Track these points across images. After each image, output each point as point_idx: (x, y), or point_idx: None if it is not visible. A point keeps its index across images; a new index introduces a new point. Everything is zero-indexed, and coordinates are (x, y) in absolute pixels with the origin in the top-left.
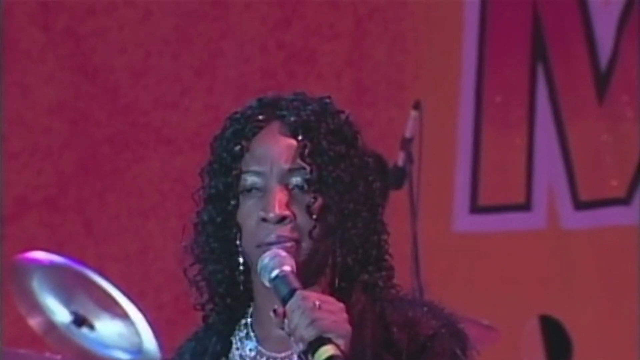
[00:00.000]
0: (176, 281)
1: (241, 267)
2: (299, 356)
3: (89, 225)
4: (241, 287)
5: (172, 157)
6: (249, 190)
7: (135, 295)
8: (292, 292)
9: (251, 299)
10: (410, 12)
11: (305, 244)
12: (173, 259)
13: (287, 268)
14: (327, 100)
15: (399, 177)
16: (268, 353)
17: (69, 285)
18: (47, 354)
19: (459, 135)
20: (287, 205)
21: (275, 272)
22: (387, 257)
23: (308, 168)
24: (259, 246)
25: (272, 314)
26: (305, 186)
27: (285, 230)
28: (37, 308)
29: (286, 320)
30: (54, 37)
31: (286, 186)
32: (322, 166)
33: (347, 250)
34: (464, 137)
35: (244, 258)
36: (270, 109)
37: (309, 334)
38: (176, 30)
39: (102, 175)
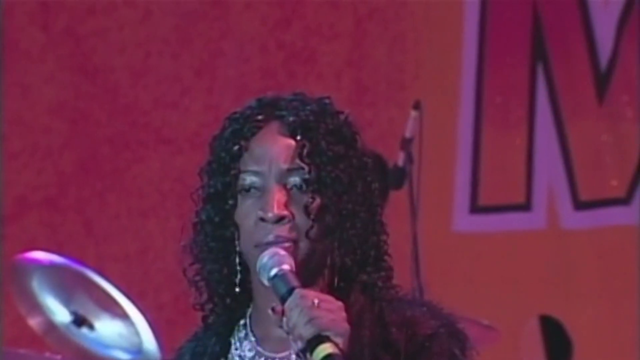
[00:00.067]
0: (176, 281)
1: (238, 267)
2: (297, 354)
3: (89, 225)
4: (237, 288)
5: (172, 157)
6: (247, 190)
7: (135, 295)
8: (291, 290)
9: (250, 299)
10: (410, 12)
11: (303, 244)
12: (173, 259)
13: (286, 267)
14: (327, 101)
15: (399, 177)
16: (266, 353)
17: (69, 285)
18: (47, 354)
19: (459, 135)
20: (286, 205)
21: (274, 271)
22: (386, 257)
23: (306, 168)
24: (257, 246)
25: (270, 311)
26: (304, 186)
27: (283, 230)
28: (37, 308)
29: (284, 319)
30: (54, 37)
31: (284, 186)
32: (321, 166)
33: (346, 251)
34: (464, 137)
35: (242, 258)
36: (269, 109)
37: (307, 332)
38: (176, 30)
39: (102, 175)
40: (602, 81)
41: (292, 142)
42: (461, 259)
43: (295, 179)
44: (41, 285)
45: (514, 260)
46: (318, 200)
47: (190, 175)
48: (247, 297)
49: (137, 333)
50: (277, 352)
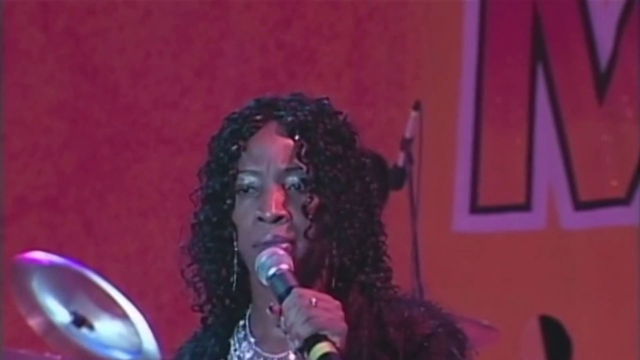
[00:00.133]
0: (176, 281)
1: (236, 268)
2: (295, 354)
3: (89, 225)
4: (234, 288)
5: (172, 157)
6: (245, 190)
7: (135, 296)
8: (289, 289)
9: (249, 300)
10: (410, 12)
11: (301, 244)
12: (173, 259)
13: (284, 266)
14: (325, 101)
15: (399, 177)
16: (265, 354)
17: (69, 286)
18: (47, 354)
19: (459, 135)
20: (284, 205)
21: (272, 270)
22: (385, 258)
23: (305, 168)
24: (255, 246)
25: (268, 311)
26: (302, 186)
27: (281, 229)
28: (37, 308)
29: (282, 318)
30: (54, 37)
31: (283, 186)
32: (319, 166)
33: (344, 250)
34: (464, 137)
35: (240, 258)
36: (268, 109)
37: (305, 331)
38: (176, 30)
39: (102, 175)
40: (602, 81)
41: (290, 142)
42: (461, 259)
43: (293, 179)
44: (41, 285)
45: (514, 260)
46: (316, 200)
47: (190, 175)
48: (246, 297)
49: (137, 333)
50: (276, 352)
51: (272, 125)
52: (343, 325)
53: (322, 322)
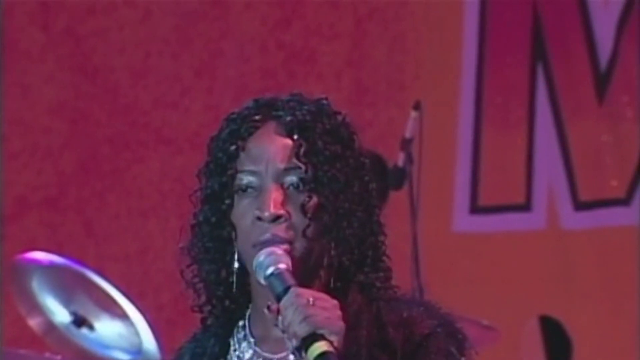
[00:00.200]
0: (176, 281)
1: (235, 268)
2: (292, 353)
3: (89, 225)
4: (234, 288)
5: (172, 157)
6: (244, 189)
7: (135, 296)
8: (287, 289)
9: (249, 300)
10: (410, 12)
11: (300, 243)
12: (173, 259)
13: (282, 266)
14: (324, 101)
15: (399, 177)
16: (265, 354)
17: (69, 286)
18: (47, 354)
19: (459, 135)
20: (282, 204)
21: (270, 270)
22: (384, 258)
23: (303, 167)
24: (254, 246)
25: (265, 310)
26: (301, 185)
27: (280, 229)
28: (37, 308)
29: (280, 317)
30: (54, 37)
31: (281, 185)
32: (317, 165)
33: (343, 250)
34: (464, 137)
35: (240, 258)
36: (267, 109)
37: (303, 330)
38: (176, 30)
39: (102, 175)
40: (602, 81)
41: (289, 141)
42: (461, 259)
43: (292, 178)
44: (41, 285)
45: (514, 260)
46: (315, 200)
47: (190, 176)
48: (246, 298)
49: (137, 333)
50: (275, 352)
51: (271, 125)
52: (340, 325)
53: (320, 321)
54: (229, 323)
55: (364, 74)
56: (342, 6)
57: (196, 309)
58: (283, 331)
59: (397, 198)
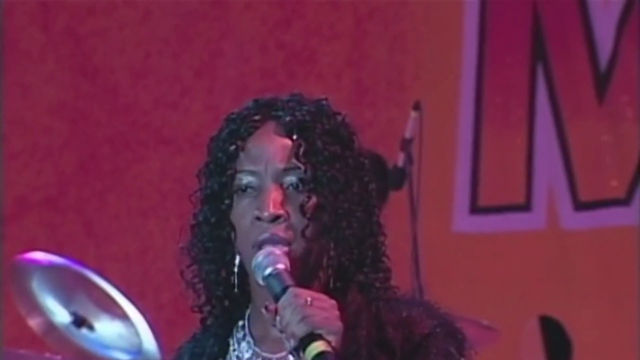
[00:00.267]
0: (176, 281)
1: (236, 268)
2: (290, 353)
3: (89, 225)
4: (236, 289)
5: (172, 157)
6: (243, 189)
7: (135, 296)
8: (285, 289)
9: (249, 300)
10: (410, 12)
11: (299, 243)
12: (173, 259)
13: (280, 266)
14: (324, 102)
15: (399, 177)
16: (264, 354)
17: (69, 286)
18: (47, 355)
19: (459, 135)
20: (282, 204)
21: (268, 270)
22: (384, 258)
23: (302, 167)
24: (253, 246)
25: (263, 310)
26: (300, 185)
27: (279, 229)
28: (37, 308)
29: (278, 317)
30: (54, 37)
31: (281, 185)
32: (317, 166)
33: (342, 250)
34: (464, 137)
35: (239, 258)
36: (266, 110)
37: (300, 330)
38: (176, 30)
39: (102, 175)
40: (602, 81)
41: (288, 141)
42: (461, 260)
43: (291, 178)
44: (41, 285)
45: (514, 261)
46: (314, 200)
47: (190, 176)
48: (245, 298)
49: (137, 333)
50: (274, 352)
51: (271, 125)
52: (338, 325)
53: (318, 321)
54: (228, 323)
55: (364, 74)
56: (342, 6)
57: (196, 309)
58: (281, 331)
59: (397, 198)
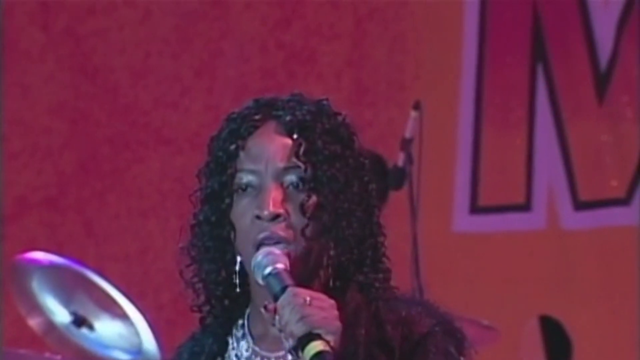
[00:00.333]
0: (176, 281)
1: (237, 267)
2: (289, 352)
3: (89, 225)
4: (237, 288)
5: (172, 157)
6: (244, 188)
7: (135, 296)
8: (284, 288)
9: (249, 300)
10: (410, 12)
11: (299, 243)
12: (173, 259)
13: (280, 266)
14: (324, 102)
15: (399, 177)
16: (263, 353)
17: (69, 286)
18: (47, 354)
19: (459, 135)
20: (282, 203)
21: (268, 269)
22: (383, 259)
23: (303, 166)
24: (253, 245)
25: (262, 309)
26: (300, 184)
27: (279, 228)
28: (37, 308)
29: (277, 317)
30: (54, 37)
31: (281, 184)
32: (317, 165)
33: (342, 250)
34: (464, 137)
35: (239, 257)
36: (267, 109)
37: (299, 329)
38: (176, 30)
39: (102, 175)
40: (602, 81)
41: (288, 141)
42: (461, 259)
43: (291, 178)
44: (41, 285)
45: (514, 260)
46: (314, 199)
47: (190, 176)
48: (245, 297)
49: (137, 333)
50: (273, 351)
51: (271, 125)
52: (337, 324)
53: (316, 321)
54: (227, 322)
55: (364, 74)
56: (342, 6)
57: (195, 308)
58: (280, 330)
59: (397, 198)
